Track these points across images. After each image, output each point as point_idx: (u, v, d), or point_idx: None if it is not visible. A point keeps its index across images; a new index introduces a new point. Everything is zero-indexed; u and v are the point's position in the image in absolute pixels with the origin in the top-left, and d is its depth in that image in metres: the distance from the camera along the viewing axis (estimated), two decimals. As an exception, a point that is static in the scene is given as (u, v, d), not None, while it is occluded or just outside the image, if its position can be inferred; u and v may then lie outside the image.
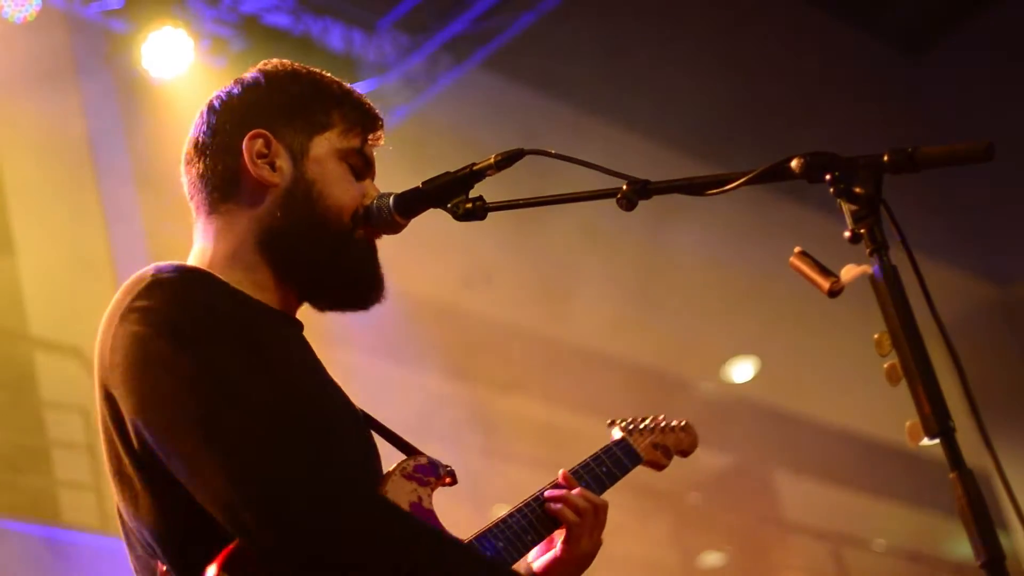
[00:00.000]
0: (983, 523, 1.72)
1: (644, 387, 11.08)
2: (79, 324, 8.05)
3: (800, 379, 11.81)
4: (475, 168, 2.18)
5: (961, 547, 12.05)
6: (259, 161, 2.17)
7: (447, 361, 9.81)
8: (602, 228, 9.92)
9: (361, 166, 2.26)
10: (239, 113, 2.21)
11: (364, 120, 2.29)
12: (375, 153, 2.30)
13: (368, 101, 2.32)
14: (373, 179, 2.30)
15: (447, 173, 2.20)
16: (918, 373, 1.76)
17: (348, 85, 2.33)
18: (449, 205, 2.20)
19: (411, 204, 2.24)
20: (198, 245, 2.22)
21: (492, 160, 2.16)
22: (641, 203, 2.04)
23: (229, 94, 2.23)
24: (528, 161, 2.17)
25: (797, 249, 1.90)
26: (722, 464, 12.15)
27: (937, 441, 1.76)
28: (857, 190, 1.84)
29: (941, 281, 11.07)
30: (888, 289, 1.80)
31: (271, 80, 2.25)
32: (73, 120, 8.53)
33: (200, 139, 2.25)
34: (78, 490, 7.76)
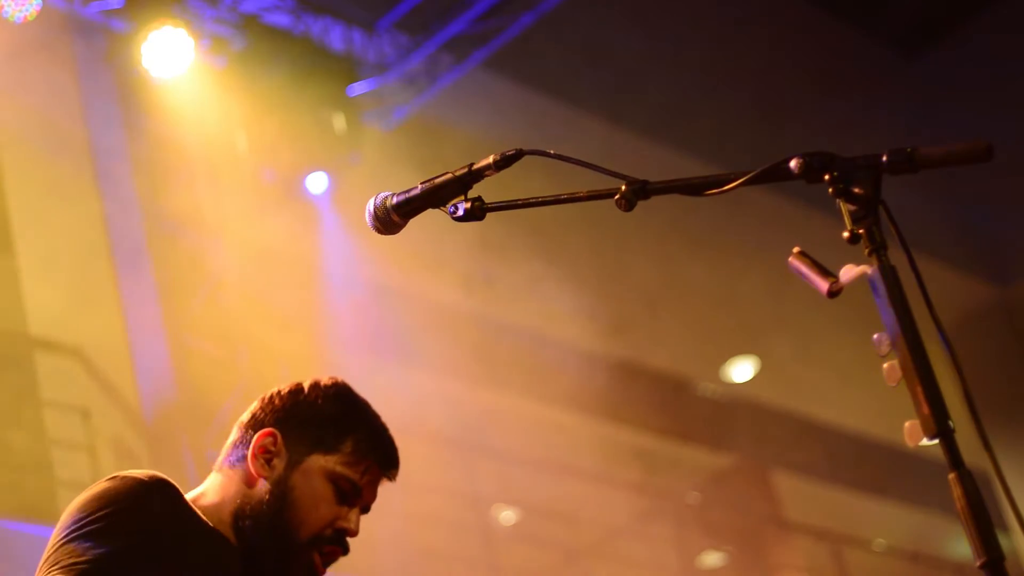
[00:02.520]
0: (982, 523, 1.72)
1: (644, 387, 11.09)
2: (79, 324, 8.06)
3: (800, 379, 11.82)
4: (474, 168, 2.17)
5: (961, 547, 12.05)
6: (260, 455, 2.43)
7: (445, 360, 9.81)
8: (602, 228, 9.92)
9: (349, 493, 2.43)
10: (273, 409, 2.50)
11: (377, 458, 2.47)
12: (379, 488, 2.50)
13: (394, 448, 2.51)
14: (365, 509, 2.47)
15: (446, 173, 2.20)
16: (917, 373, 1.76)
17: (381, 425, 2.51)
18: (448, 205, 2.19)
19: (410, 204, 2.24)
20: (211, 484, 2.50)
21: (491, 160, 2.16)
22: (641, 203, 2.04)
23: (280, 395, 2.52)
24: (528, 161, 2.16)
25: (796, 249, 1.90)
26: (722, 464, 12.15)
27: (936, 441, 1.76)
28: (856, 190, 1.84)
29: (941, 281, 11.09)
30: (887, 289, 1.80)
31: (312, 394, 2.51)
32: (73, 120, 8.53)
33: (245, 419, 2.53)
34: (78, 490, 7.74)
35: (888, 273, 1.81)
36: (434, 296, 9.74)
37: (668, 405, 11.21)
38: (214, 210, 8.66)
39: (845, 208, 1.84)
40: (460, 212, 2.17)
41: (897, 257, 1.84)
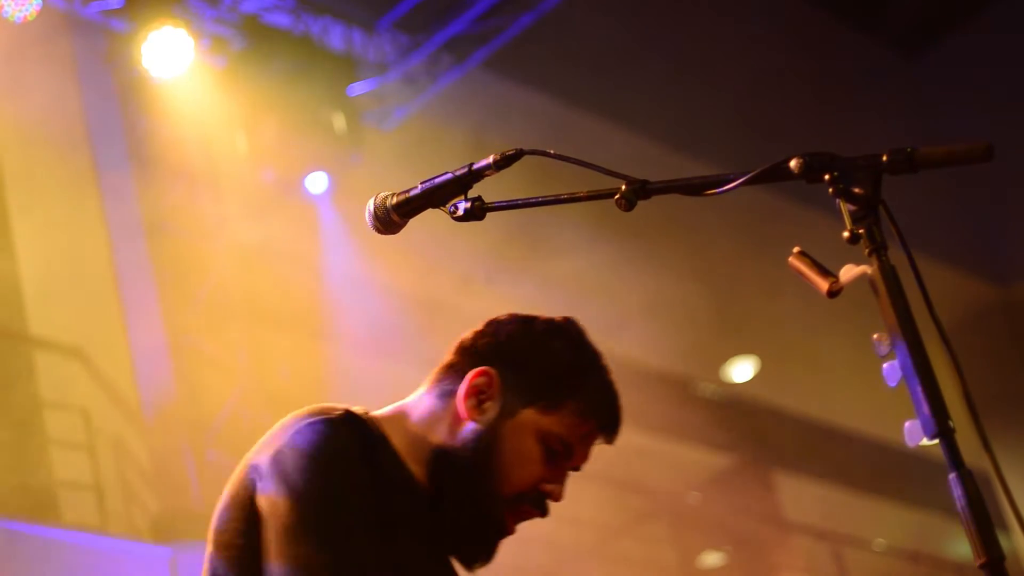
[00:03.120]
0: (983, 523, 1.72)
1: (644, 387, 11.09)
2: (79, 324, 8.07)
3: (800, 379, 11.82)
4: (474, 168, 2.17)
5: (961, 547, 12.05)
6: (472, 395, 2.24)
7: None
8: (602, 227, 9.92)
9: (561, 454, 2.24)
10: (498, 344, 2.30)
11: (600, 421, 2.27)
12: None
13: (619, 411, 2.29)
14: (575, 468, 2.28)
15: (446, 173, 2.20)
16: (917, 373, 1.76)
17: (611, 382, 2.29)
18: (448, 205, 2.19)
19: (410, 204, 2.23)
20: (417, 408, 2.29)
21: (491, 160, 2.15)
22: (641, 202, 2.04)
23: (508, 327, 2.32)
24: (527, 161, 2.16)
25: (796, 249, 1.90)
26: (722, 464, 12.15)
27: (936, 441, 1.76)
28: (856, 190, 1.84)
29: (941, 281, 11.09)
30: (887, 289, 1.80)
31: (543, 337, 2.31)
32: (73, 120, 8.53)
33: (466, 342, 2.32)
34: (78, 490, 7.76)
35: (888, 273, 1.81)
36: (434, 296, 9.73)
37: (668, 405, 11.20)
38: (214, 210, 8.66)
39: (845, 208, 1.84)
40: (460, 212, 2.17)
41: (897, 257, 1.84)
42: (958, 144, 1.84)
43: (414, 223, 2.28)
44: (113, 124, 8.64)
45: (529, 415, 2.23)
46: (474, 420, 2.22)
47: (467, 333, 2.35)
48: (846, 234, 1.83)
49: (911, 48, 12.64)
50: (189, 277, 8.43)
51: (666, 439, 11.48)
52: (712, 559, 12.19)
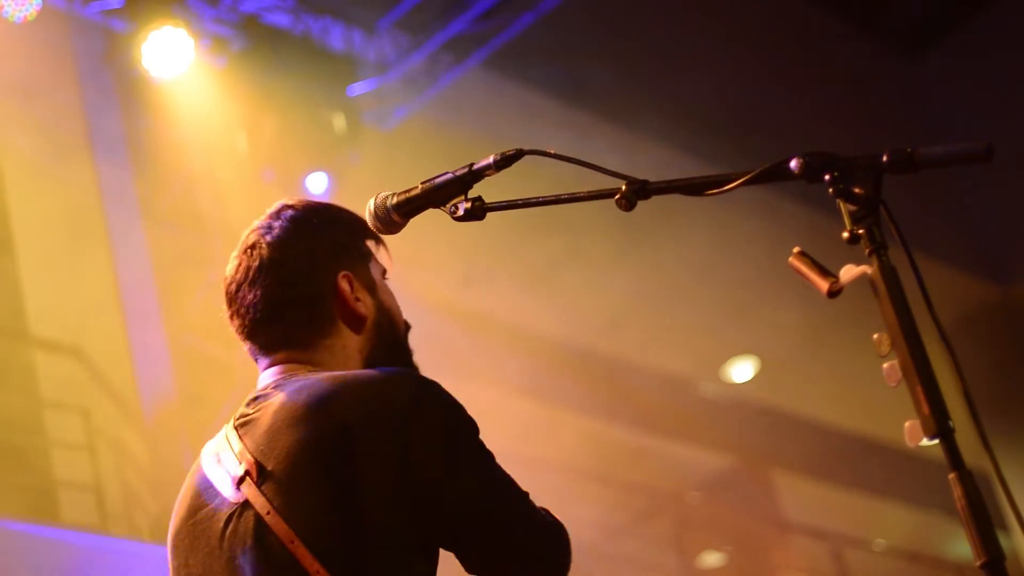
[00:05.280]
0: (983, 523, 1.72)
1: (644, 387, 11.09)
2: (79, 324, 8.07)
3: (800, 379, 11.82)
4: (474, 168, 2.18)
5: (961, 547, 12.06)
6: (349, 300, 2.36)
7: (445, 360, 9.81)
8: (601, 226, 9.93)
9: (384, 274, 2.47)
10: (314, 253, 2.37)
11: (377, 236, 2.44)
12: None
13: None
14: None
15: (446, 173, 2.20)
16: (917, 373, 1.76)
17: (348, 210, 2.48)
18: (448, 205, 2.19)
19: (410, 204, 2.24)
20: (324, 360, 2.36)
21: (491, 160, 2.16)
22: (641, 202, 2.04)
23: (288, 237, 2.38)
24: (527, 161, 2.17)
25: (796, 249, 1.90)
26: (722, 464, 12.15)
27: (936, 441, 1.76)
28: (856, 190, 1.84)
29: (941, 281, 11.09)
30: (887, 289, 1.80)
31: (319, 220, 2.41)
32: (73, 120, 8.53)
33: (278, 275, 2.38)
34: (78, 490, 7.76)
35: (888, 273, 1.81)
36: (434, 295, 9.73)
37: (668, 405, 11.21)
38: (214, 210, 8.66)
39: (845, 208, 1.84)
40: (460, 212, 2.17)
41: (897, 257, 1.84)
42: (958, 144, 1.84)
43: (414, 223, 2.28)
44: (113, 124, 8.65)
45: (374, 271, 2.42)
46: (364, 314, 2.37)
47: (252, 271, 2.40)
48: (846, 234, 1.83)
49: (911, 48, 12.65)
50: (189, 277, 8.43)
51: (666, 439, 11.49)
52: (712, 559, 12.19)
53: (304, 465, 2.13)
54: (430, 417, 2.17)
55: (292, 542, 2.09)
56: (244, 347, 2.47)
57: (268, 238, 2.39)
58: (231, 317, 2.50)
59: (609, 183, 2.04)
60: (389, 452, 2.11)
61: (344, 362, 2.35)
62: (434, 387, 2.22)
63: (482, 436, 2.30)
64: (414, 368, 2.44)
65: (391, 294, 2.45)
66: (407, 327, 2.47)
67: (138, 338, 8.36)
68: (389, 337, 2.41)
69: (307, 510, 2.11)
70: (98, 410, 7.95)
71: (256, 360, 2.45)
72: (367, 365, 2.36)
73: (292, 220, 2.40)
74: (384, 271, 2.46)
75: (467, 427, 2.22)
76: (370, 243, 2.43)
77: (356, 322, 2.37)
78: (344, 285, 2.36)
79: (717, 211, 10.08)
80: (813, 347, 11.42)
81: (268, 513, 2.12)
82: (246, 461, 2.20)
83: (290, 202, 2.45)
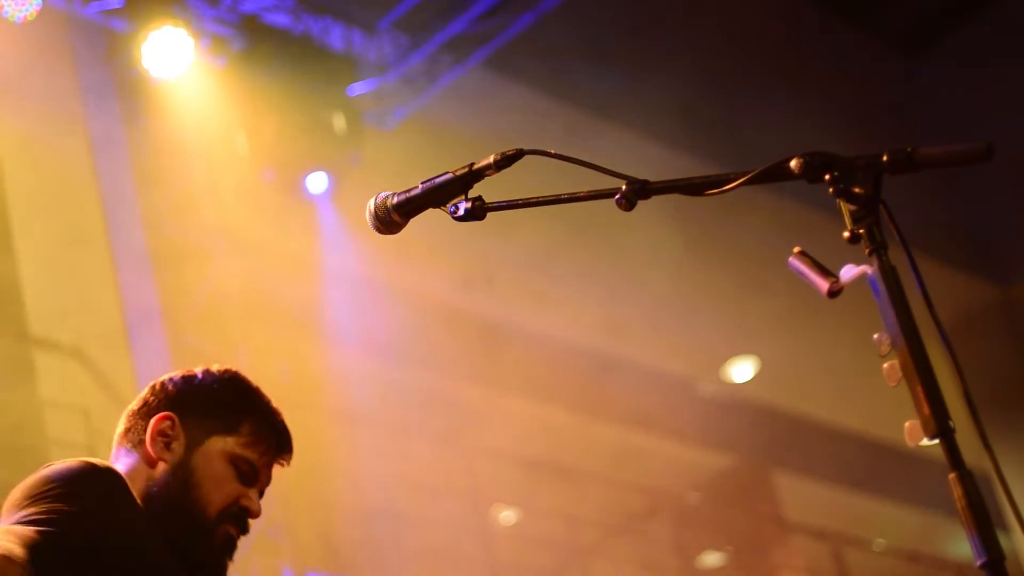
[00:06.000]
0: (983, 523, 1.72)
1: (645, 387, 11.09)
2: (79, 323, 8.06)
3: (800, 379, 11.82)
4: (474, 168, 2.17)
5: (961, 547, 12.05)
6: (158, 438, 2.49)
7: (445, 360, 9.81)
8: (601, 226, 9.92)
9: (249, 474, 2.50)
10: (167, 395, 2.55)
11: (273, 441, 2.54)
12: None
13: (287, 432, 2.57)
14: (260, 492, 2.54)
15: (446, 173, 2.20)
16: (917, 373, 1.76)
17: (275, 409, 2.58)
18: (448, 205, 2.19)
19: (410, 204, 2.24)
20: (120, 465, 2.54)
21: (491, 160, 2.15)
22: (641, 202, 2.04)
23: (172, 381, 2.58)
24: (527, 161, 2.16)
25: (796, 249, 1.90)
26: (722, 464, 12.15)
27: (936, 441, 1.76)
28: (856, 190, 1.84)
29: (941, 281, 11.09)
30: (887, 289, 1.80)
31: (206, 379, 2.58)
32: (73, 120, 8.53)
33: (135, 407, 2.57)
34: (78, 490, 7.75)
35: (888, 273, 1.81)
36: (434, 296, 9.74)
37: (668, 405, 11.20)
38: (214, 210, 8.66)
39: (845, 208, 1.84)
40: (461, 212, 2.17)
41: (897, 257, 1.84)
42: (958, 144, 1.84)
43: (414, 223, 2.28)
44: (113, 124, 8.64)
45: (215, 442, 2.49)
46: (164, 460, 2.48)
47: (132, 403, 2.59)
48: (846, 234, 1.83)
49: (911, 48, 12.65)
50: (189, 277, 8.43)
51: (666, 439, 11.49)
52: (712, 559, 12.19)
53: None
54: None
55: None
56: None
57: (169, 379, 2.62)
58: None
59: (609, 183, 2.04)
60: None
61: (127, 477, 2.47)
62: (72, 465, 2.43)
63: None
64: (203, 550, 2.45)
65: (222, 477, 2.47)
66: (230, 516, 2.47)
67: (138, 338, 8.36)
68: (177, 494, 2.45)
69: None
70: (98, 410, 7.94)
71: None
72: (147, 504, 2.44)
73: (198, 372, 2.61)
74: (247, 466, 2.48)
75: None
76: (248, 427, 2.51)
77: (152, 459, 2.49)
78: (157, 422, 2.51)
79: (718, 211, 10.08)
80: (813, 347, 11.42)
81: None
82: None
83: (221, 370, 2.62)
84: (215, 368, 2.61)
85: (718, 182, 1.97)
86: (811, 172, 1.87)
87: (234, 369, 2.63)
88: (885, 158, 1.84)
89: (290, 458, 2.58)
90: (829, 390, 11.78)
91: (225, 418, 2.51)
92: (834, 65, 11.75)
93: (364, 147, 9.18)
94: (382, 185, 2.37)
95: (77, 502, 2.32)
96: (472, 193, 2.18)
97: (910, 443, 1.78)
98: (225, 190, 8.80)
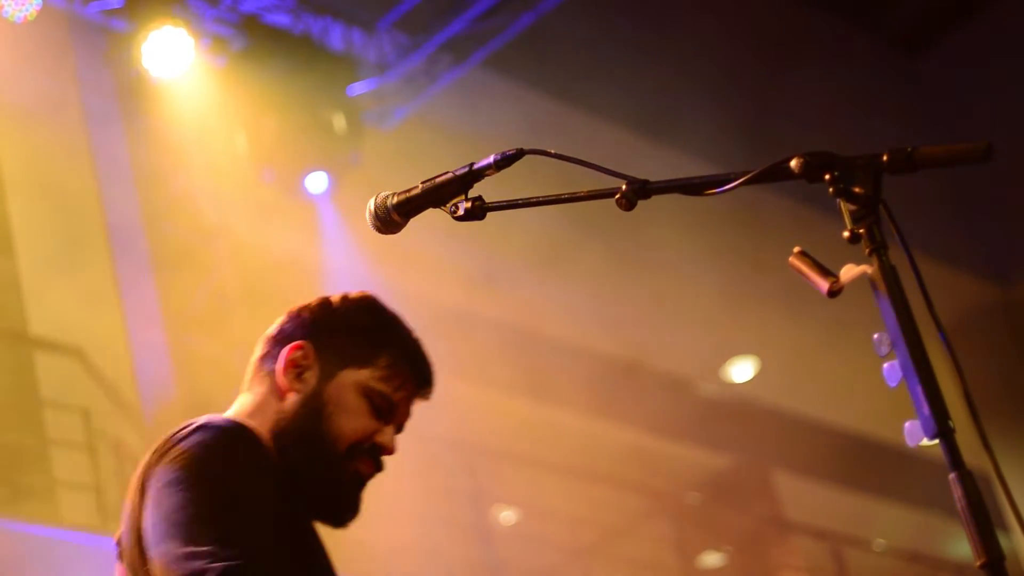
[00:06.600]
0: (983, 524, 1.72)
1: (645, 387, 11.09)
2: (79, 324, 8.06)
3: (800, 379, 11.81)
4: (474, 168, 2.17)
5: (961, 547, 12.05)
6: (291, 368, 2.40)
7: (445, 360, 9.79)
8: (601, 226, 9.92)
9: (384, 409, 2.41)
10: (302, 322, 2.47)
11: (411, 375, 2.45)
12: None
13: (429, 364, 2.49)
14: (398, 428, 2.45)
15: (446, 173, 2.20)
16: (917, 373, 1.76)
17: (416, 340, 2.49)
18: (448, 205, 2.19)
19: (410, 204, 2.24)
20: (244, 405, 2.46)
21: (491, 160, 2.15)
22: (641, 201, 2.04)
23: (309, 308, 2.49)
24: (527, 161, 2.16)
25: (796, 249, 1.90)
26: (722, 464, 12.15)
27: (936, 441, 1.76)
28: (856, 190, 1.84)
29: (941, 281, 11.08)
30: (887, 289, 1.80)
31: (343, 306, 2.48)
32: (73, 119, 8.53)
33: (272, 332, 2.50)
34: (78, 490, 7.76)
35: (888, 273, 1.81)
36: (434, 296, 9.73)
37: (668, 405, 11.20)
38: (214, 210, 8.66)
39: (845, 208, 1.84)
40: (460, 212, 2.17)
41: (897, 257, 1.84)
42: (958, 144, 1.84)
43: (414, 223, 2.28)
44: (113, 124, 8.65)
45: (349, 374, 2.39)
46: (296, 391, 2.38)
47: (270, 328, 2.52)
48: (846, 234, 1.83)
49: (911, 48, 12.65)
50: (189, 277, 8.43)
51: (666, 439, 11.49)
52: (712, 559, 12.19)
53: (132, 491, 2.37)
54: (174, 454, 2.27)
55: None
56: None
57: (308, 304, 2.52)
58: None
59: (609, 183, 2.04)
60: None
61: (254, 415, 2.40)
62: (203, 432, 2.27)
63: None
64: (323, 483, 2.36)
65: (355, 410, 2.38)
66: (362, 451, 2.38)
67: (138, 338, 8.36)
68: (308, 426, 2.36)
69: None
70: (98, 410, 7.95)
71: None
72: (275, 439, 2.35)
73: (337, 298, 2.50)
74: (382, 400, 2.40)
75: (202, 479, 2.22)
76: (386, 360, 2.42)
77: (283, 389, 2.40)
78: (292, 352, 2.42)
79: (719, 211, 10.08)
80: (813, 347, 11.42)
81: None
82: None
83: (360, 294, 2.51)
84: (353, 294, 2.50)
85: (718, 182, 1.97)
86: (811, 172, 1.87)
87: (372, 294, 2.50)
88: (885, 158, 1.84)
89: (430, 393, 2.49)
90: (829, 390, 11.78)
91: (361, 348, 2.41)
92: (833, 64, 11.75)
93: (364, 147, 9.19)
94: (382, 185, 2.37)
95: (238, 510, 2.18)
96: (472, 193, 2.18)
97: (910, 443, 1.78)
98: (225, 190, 8.80)
